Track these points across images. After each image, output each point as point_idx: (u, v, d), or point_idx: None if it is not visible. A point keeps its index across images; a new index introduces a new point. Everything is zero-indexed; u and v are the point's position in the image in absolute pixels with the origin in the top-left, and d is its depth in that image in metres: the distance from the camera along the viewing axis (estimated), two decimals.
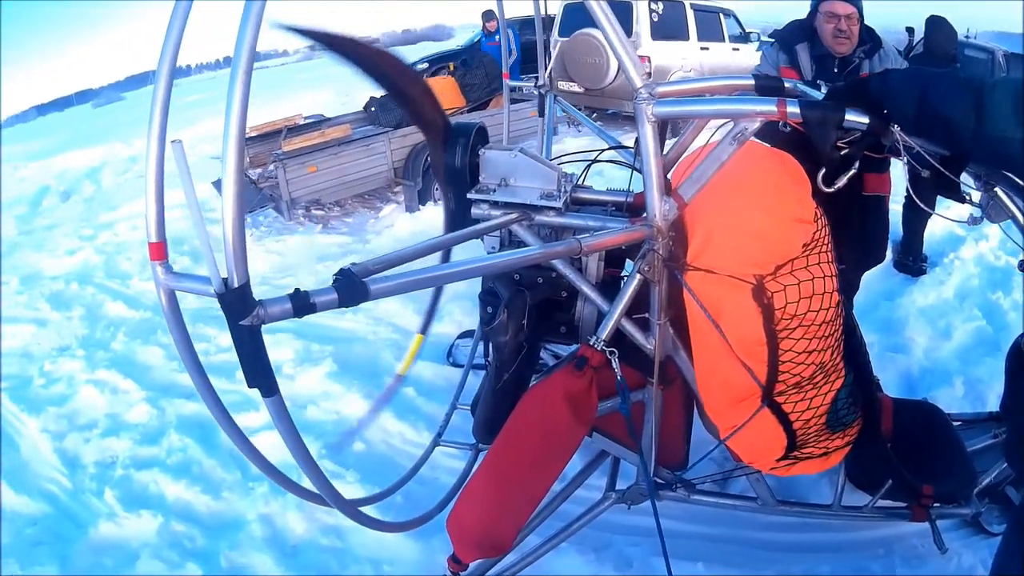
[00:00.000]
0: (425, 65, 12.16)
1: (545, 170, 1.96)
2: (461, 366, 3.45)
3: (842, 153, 1.52)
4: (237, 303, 1.11)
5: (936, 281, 4.59)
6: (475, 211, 1.99)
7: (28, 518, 3.30)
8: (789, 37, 3.14)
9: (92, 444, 3.78)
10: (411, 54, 18.82)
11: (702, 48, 9.90)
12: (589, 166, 2.27)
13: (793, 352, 1.71)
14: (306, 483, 1.55)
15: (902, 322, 4.08)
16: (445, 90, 8.05)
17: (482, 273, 1.57)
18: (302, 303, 1.16)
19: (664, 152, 1.90)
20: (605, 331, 1.79)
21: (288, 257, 6.27)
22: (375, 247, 6.23)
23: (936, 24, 4.69)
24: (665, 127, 2.03)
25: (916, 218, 4.71)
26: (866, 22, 2.96)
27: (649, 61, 9.36)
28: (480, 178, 2.03)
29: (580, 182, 2.17)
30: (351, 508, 1.62)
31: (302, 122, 8.07)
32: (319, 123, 8.00)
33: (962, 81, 1.41)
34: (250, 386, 1.19)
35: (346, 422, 3.62)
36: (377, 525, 1.81)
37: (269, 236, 6.87)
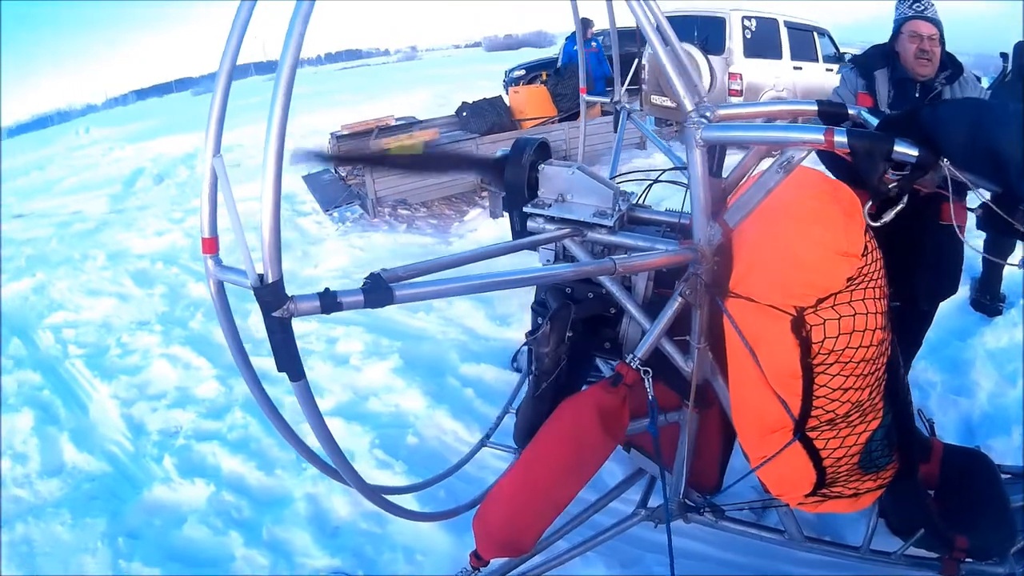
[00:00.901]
0: (522, 72, 12.42)
1: (602, 188, 2.01)
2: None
3: (890, 186, 1.46)
4: (270, 297, 1.21)
5: (1010, 323, 4.38)
6: (531, 224, 2.05)
7: (88, 474, 3.55)
8: (869, 62, 3.09)
9: (158, 414, 4.02)
10: (512, 59, 19.02)
11: (795, 67, 9.70)
12: (650, 186, 2.31)
13: (828, 388, 1.69)
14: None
15: (969, 364, 3.93)
16: (537, 99, 8.25)
17: (511, 286, 1.64)
18: (330, 302, 1.25)
19: (725, 175, 1.93)
20: (642, 350, 1.83)
21: (370, 253, 6.45)
22: (456, 249, 6.32)
23: (1022, 50, 4.47)
24: (716, 151, 2.06)
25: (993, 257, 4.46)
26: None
27: (741, 78, 9.30)
28: (539, 193, 2.09)
29: (640, 201, 2.22)
30: (372, 492, 1.71)
31: (394, 123, 8.36)
32: (410, 125, 8.29)
33: (1016, 113, 1.33)
34: (279, 370, 1.30)
35: (402, 417, 3.74)
36: (398, 511, 1.88)
37: (354, 231, 7.07)
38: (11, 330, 5.63)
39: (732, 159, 1.86)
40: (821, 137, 1.45)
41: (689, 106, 1.61)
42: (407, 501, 2.71)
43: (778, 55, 9.71)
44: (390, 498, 1.84)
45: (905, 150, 1.39)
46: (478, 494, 2.65)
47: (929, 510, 2.07)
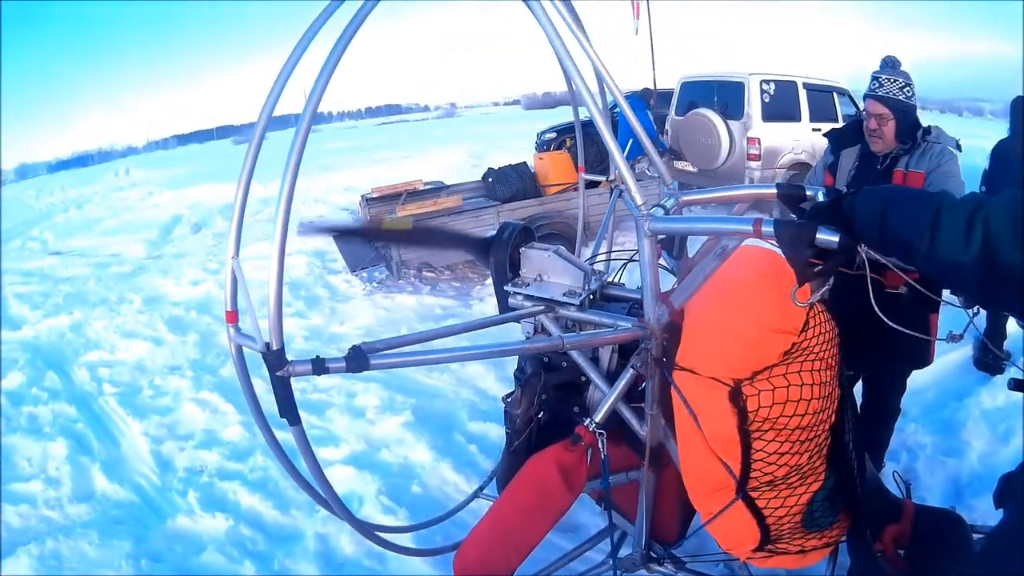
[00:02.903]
0: (553, 134, 12.40)
1: (574, 270, 2.24)
2: None
3: (815, 269, 1.53)
4: (274, 360, 1.52)
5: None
6: (511, 301, 2.30)
7: (115, 502, 3.86)
8: (841, 136, 3.18)
9: (186, 452, 4.31)
10: (548, 117, 19.15)
11: (814, 129, 9.67)
12: (625, 265, 2.56)
13: (764, 452, 1.82)
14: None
15: (962, 424, 3.99)
16: (559, 165, 8.34)
17: (472, 359, 1.85)
18: (319, 366, 1.57)
19: (692, 255, 2.15)
20: (599, 415, 2.03)
21: (394, 313, 6.72)
22: (476, 312, 6.64)
23: (1022, 106, 4.54)
24: (676, 238, 2.26)
25: (996, 315, 4.58)
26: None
27: (759, 143, 9.43)
28: (521, 272, 2.34)
29: (615, 279, 2.46)
30: (359, 523, 2.04)
31: (422, 187, 8.60)
32: (437, 190, 8.51)
33: (924, 200, 1.40)
34: (280, 417, 1.61)
35: (409, 468, 3.96)
36: (382, 543, 2.22)
37: (379, 292, 7.37)
38: (47, 364, 6.04)
39: None
40: (750, 228, 1.58)
41: (638, 200, 1.82)
42: (404, 542, 2.93)
43: (797, 118, 9.81)
44: (380, 535, 2.12)
45: (827, 237, 1.47)
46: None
47: (880, 568, 2.15)
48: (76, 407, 5.11)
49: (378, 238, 2.44)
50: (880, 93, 2.89)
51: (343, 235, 2.18)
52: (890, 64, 2.96)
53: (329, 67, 1.54)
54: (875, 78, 2.93)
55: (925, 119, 3.05)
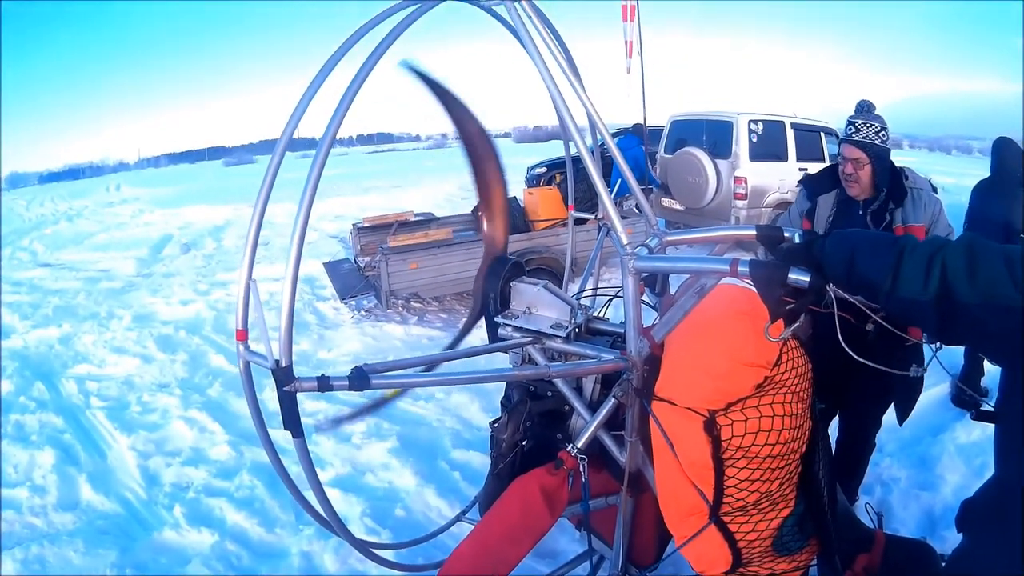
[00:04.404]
0: (543, 169, 12.38)
1: (562, 304, 2.36)
2: None
3: (787, 307, 1.60)
4: (282, 376, 1.64)
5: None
6: (501, 331, 2.41)
7: (101, 512, 3.90)
8: (816, 183, 3.19)
9: (172, 468, 4.35)
10: (537, 152, 19.24)
11: (800, 169, 9.77)
12: (609, 301, 2.68)
13: (737, 479, 1.90)
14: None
15: (937, 459, 4.06)
16: (548, 201, 8.36)
17: (462, 383, 1.95)
18: (324, 383, 1.67)
19: (673, 292, 2.27)
20: (581, 441, 2.12)
21: (382, 342, 6.79)
22: (462, 343, 6.63)
23: (1002, 146, 4.69)
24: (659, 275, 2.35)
25: (974, 352, 4.59)
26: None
27: (746, 182, 9.55)
28: (511, 305, 2.46)
29: (599, 314, 2.57)
30: (351, 536, 2.10)
31: (412, 219, 8.66)
32: (428, 222, 8.58)
33: (888, 243, 1.47)
34: (285, 428, 1.72)
35: (394, 492, 4.02)
36: (370, 555, 2.28)
37: (368, 320, 7.43)
38: (36, 374, 6.09)
39: None
40: (727, 267, 1.68)
41: (624, 240, 1.91)
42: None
43: (784, 157, 9.96)
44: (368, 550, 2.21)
45: (798, 277, 1.54)
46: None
47: None
48: (64, 418, 5.16)
49: (452, 109, 2.46)
50: (856, 138, 2.94)
51: (428, 85, 2.20)
52: (865, 109, 3.02)
53: (349, 96, 1.68)
54: (851, 123, 2.98)
55: (914, 157, 3.07)
